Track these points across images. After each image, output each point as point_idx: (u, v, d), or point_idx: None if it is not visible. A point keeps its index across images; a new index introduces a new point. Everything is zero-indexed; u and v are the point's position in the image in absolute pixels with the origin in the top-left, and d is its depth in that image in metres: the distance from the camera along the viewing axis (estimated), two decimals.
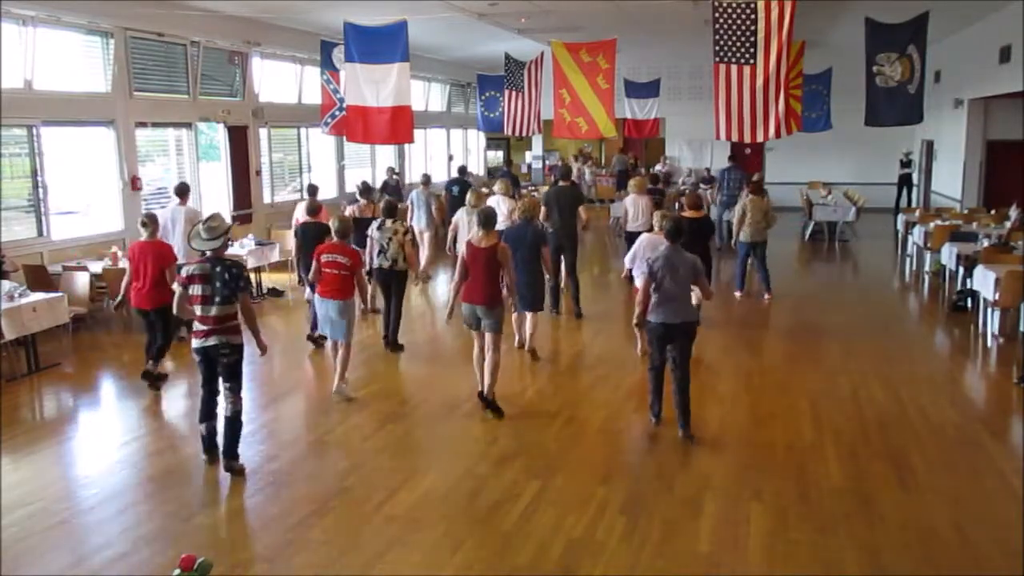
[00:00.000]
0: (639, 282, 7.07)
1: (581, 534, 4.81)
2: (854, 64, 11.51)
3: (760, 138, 8.93)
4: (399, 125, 10.64)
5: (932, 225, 12.41)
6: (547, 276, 8.68)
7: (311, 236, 8.78)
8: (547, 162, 25.46)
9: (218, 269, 5.61)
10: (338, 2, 11.86)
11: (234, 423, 5.74)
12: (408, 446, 6.30)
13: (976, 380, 8.22)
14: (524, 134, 15.60)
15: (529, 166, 26.28)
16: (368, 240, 8.71)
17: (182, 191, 9.96)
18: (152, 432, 6.69)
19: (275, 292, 11.83)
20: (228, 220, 5.71)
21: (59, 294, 8.60)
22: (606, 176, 23.94)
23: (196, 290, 5.62)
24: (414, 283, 10.30)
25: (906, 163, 20.37)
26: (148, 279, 7.51)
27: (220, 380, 5.76)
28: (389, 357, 8.65)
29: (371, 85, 10.57)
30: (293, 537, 4.83)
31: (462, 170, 15.95)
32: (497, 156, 26.58)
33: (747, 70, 8.62)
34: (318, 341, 8.58)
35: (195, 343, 5.72)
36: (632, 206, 10.95)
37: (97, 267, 9.74)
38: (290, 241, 12.58)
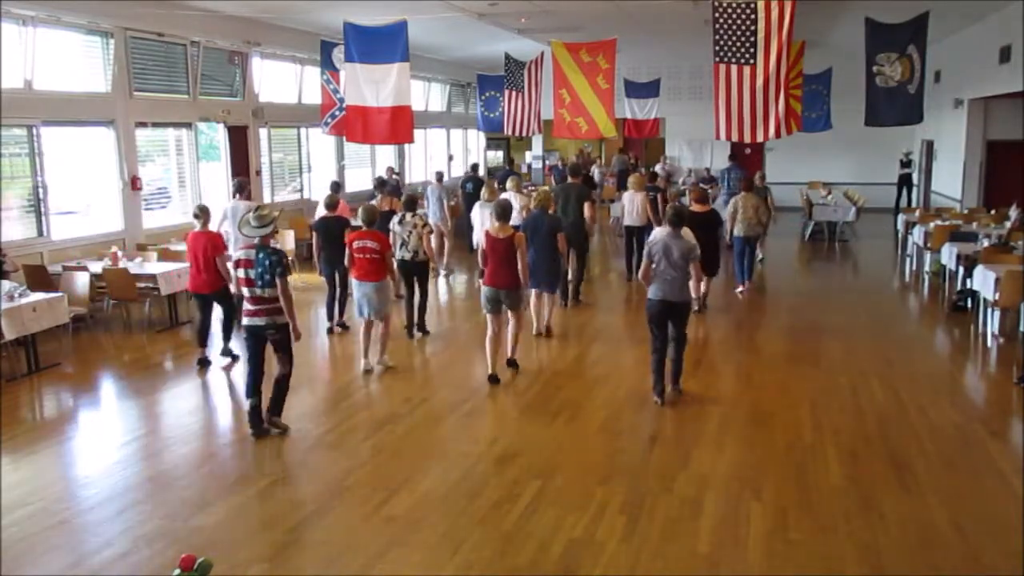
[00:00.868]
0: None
1: (581, 534, 4.81)
2: (854, 64, 11.52)
3: (760, 138, 8.94)
4: (399, 125, 10.65)
5: (932, 225, 12.41)
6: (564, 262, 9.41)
7: (331, 230, 9.32)
8: (547, 162, 25.46)
9: (261, 255, 6.16)
10: (338, 2, 11.86)
11: (281, 384, 6.41)
12: (408, 446, 6.29)
13: (976, 380, 8.22)
14: (524, 134, 15.61)
15: (529, 166, 26.27)
16: (391, 233, 8.95)
17: (241, 187, 10.32)
18: (152, 432, 6.69)
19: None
20: (275, 212, 6.46)
21: (59, 294, 8.60)
22: (608, 176, 23.96)
23: (243, 273, 6.22)
24: (435, 274, 11.07)
25: (906, 163, 20.37)
26: (202, 266, 8.00)
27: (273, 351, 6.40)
28: (395, 355, 8.64)
29: (371, 85, 10.58)
30: (293, 537, 4.83)
31: (475, 167, 16.38)
32: (497, 156, 26.57)
33: (747, 70, 8.62)
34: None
35: (244, 321, 6.35)
36: (629, 202, 11.43)
37: (97, 267, 9.74)
38: (290, 241, 12.71)
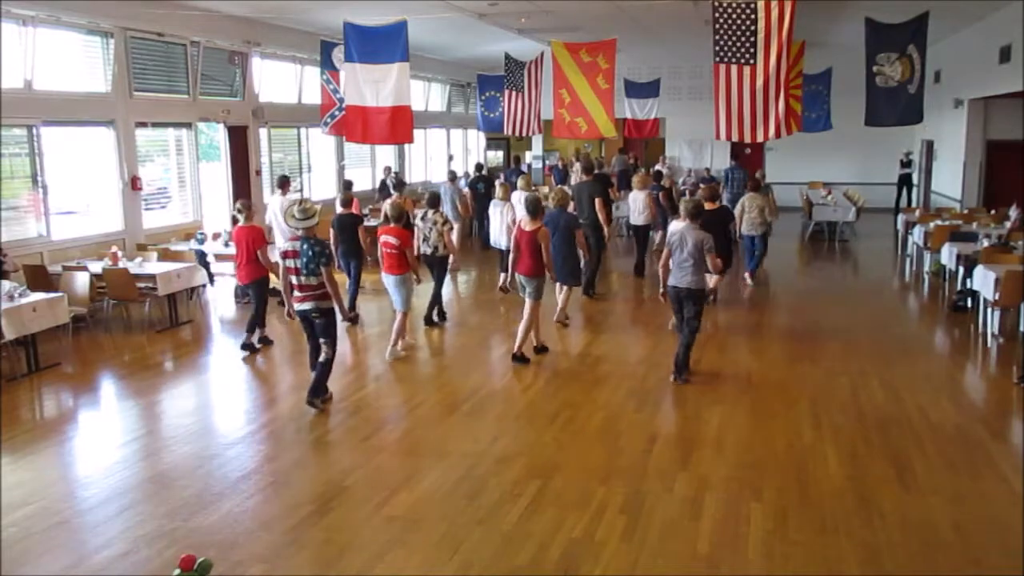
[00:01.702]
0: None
1: (581, 534, 4.81)
2: (854, 64, 11.52)
3: (760, 138, 8.94)
4: (399, 125, 10.64)
5: (932, 225, 12.41)
6: (583, 257, 9.75)
7: (345, 225, 10.04)
8: (547, 162, 25.43)
9: (305, 246, 6.67)
10: (338, 2, 11.85)
11: (324, 367, 6.93)
12: (408, 446, 6.29)
13: (976, 380, 8.22)
14: (524, 134, 15.60)
15: (529, 166, 26.25)
16: (415, 229, 9.40)
17: (283, 183, 11.29)
18: (152, 432, 6.69)
19: (275, 292, 11.79)
20: (317, 206, 6.99)
21: (59, 294, 8.60)
22: (610, 176, 23.93)
23: (291, 263, 6.75)
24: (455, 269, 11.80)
25: (906, 163, 20.37)
26: (245, 258, 8.64)
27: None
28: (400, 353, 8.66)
29: (371, 85, 10.57)
30: (293, 537, 4.83)
31: (480, 167, 16.44)
32: (497, 156, 26.55)
33: (747, 70, 8.61)
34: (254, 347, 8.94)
35: (296, 307, 6.89)
36: (633, 202, 11.66)
37: (97, 267, 9.74)
38: None
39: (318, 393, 6.96)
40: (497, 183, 11.16)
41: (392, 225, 8.42)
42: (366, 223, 11.10)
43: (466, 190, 15.60)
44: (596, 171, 12.67)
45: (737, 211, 11.59)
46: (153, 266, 10.11)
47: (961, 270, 10.48)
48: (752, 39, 8.51)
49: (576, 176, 13.70)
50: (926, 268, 12.48)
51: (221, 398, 7.75)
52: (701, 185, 18.78)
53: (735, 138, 8.96)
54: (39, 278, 9.28)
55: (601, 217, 10.83)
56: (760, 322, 10.17)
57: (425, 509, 5.16)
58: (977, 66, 15.22)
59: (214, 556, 4.34)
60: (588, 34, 13.65)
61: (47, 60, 10.24)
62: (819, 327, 9.89)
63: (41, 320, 8.12)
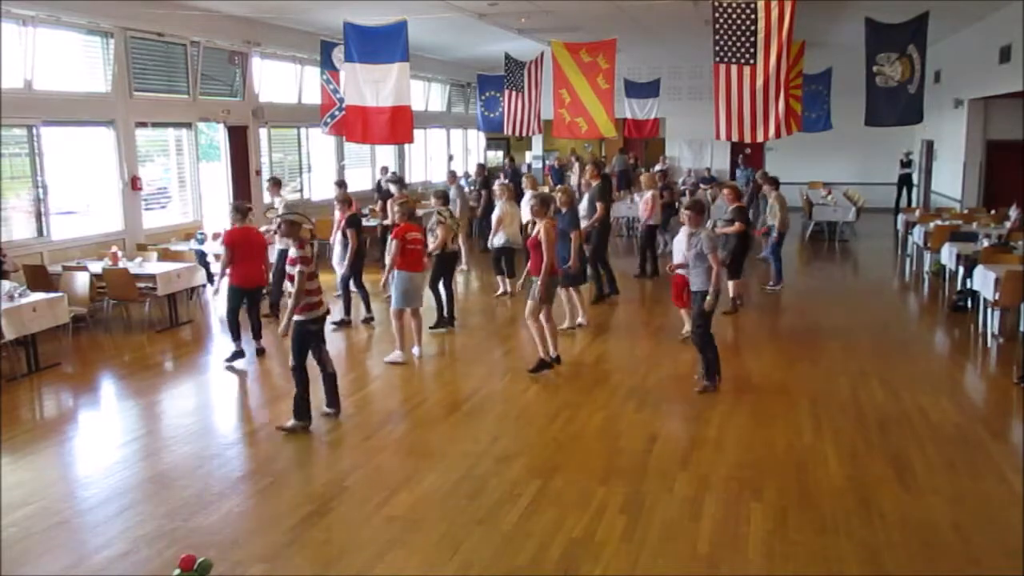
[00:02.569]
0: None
1: (581, 534, 4.81)
2: (854, 64, 11.52)
3: (760, 138, 8.93)
4: (399, 125, 10.64)
5: (932, 225, 12.41)
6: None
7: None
8: (547, 162, 25.43)
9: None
10: (338, 2, 11.85)
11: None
12: (408, 446, 6.29)
13: (976, 380, 8.22)
14: (524, 134, 15.60)
15: (529, 166, 26.24)
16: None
17: (275, 184, 11.46)
18: (152, 432, 6.69)
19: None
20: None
21: (59, 294, 8.60)
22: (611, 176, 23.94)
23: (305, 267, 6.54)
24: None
25: (906, 163, 20.37)
26: (247, 259, 8.32)
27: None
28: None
29: (371, 85, 10.57)
30: (293, 537, 4.83)
31: (482, 168, 16.35)
32: (497, 156, 26.54)
33: (747, 70, 8.61)
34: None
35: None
36: (643, 203, 11.73)
37: (97, 267, 9.74)
38: None
39: (328, 402, 6.80)
40: (496, 184, 11.12)
41: (411, 222, 8.36)
42: (364, 223, 11.14)
43: (468, 189, 15.60)
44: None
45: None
46: (153, 266, 10.11)
47: (961, 270, 10.47)
48: (752, 39, 8.51)
49: (579, 176, 13.69)
50: (926, 268, 12.48)
51: (221, 398, 7.75)
52: (701, 185, 18.84)
53: (735, 138, 8.96)
54: (39, 278, 9.27)
55: (597, 218, 10.68)
56: (760, 322, 10.17)
57: (425, 509, 5.16)
58: (977, 66, 15.22)
59: (214, 556, 4.34)
60: (588, 34, 13.64)
61: (47, 60, 10.24)
62: (819, 327, 9.89)
63: (41, 320, 8.12)
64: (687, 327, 8.47)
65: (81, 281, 9.26)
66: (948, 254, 11.02)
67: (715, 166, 22.79)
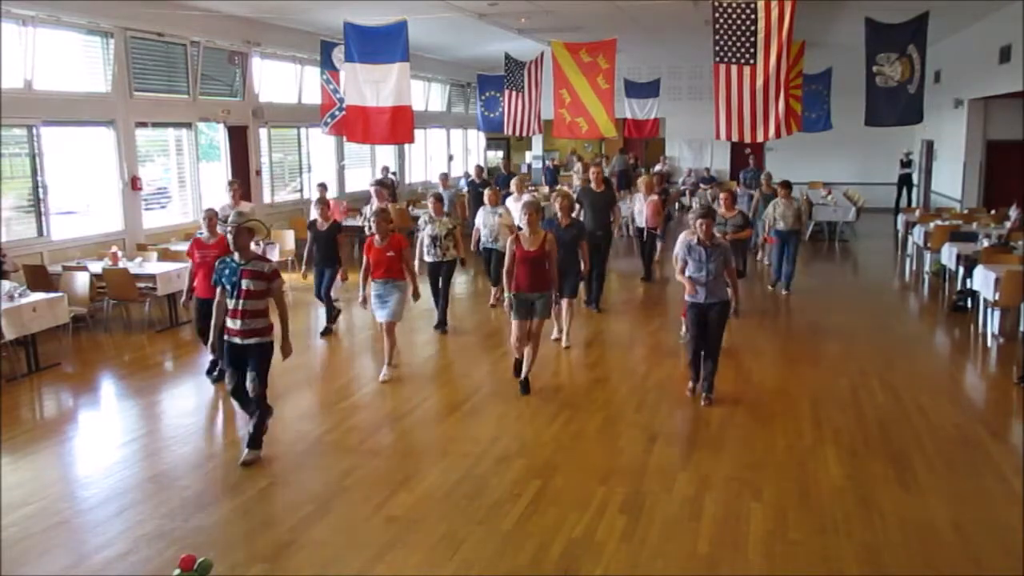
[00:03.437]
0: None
1: (581, 534, 4.81)
2: (854, 64, 11.51)
3: (760, 138, 8.93)
4: (399, 125, 10.63)
5: (932, 225, 12.41)
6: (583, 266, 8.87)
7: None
8: (546, 163, 25.45)
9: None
10: (338, 2, 11.86)
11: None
12: (408, 446, 6.30)
13: (976, 380, 8.22)
14: (524, 134, 15.60)
15: (529, 166, 26.24)
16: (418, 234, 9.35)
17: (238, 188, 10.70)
18: (152, 432, 6.69)
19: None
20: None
21: (59, 294, 8.60)
22: (611, 176, 23.95)
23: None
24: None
25: (906, 163, 20.37)
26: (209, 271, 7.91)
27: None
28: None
29: (371, 85, 10.56)
30: (293, 537, 4.83)
31: (480, 169, 16.16)
32: (497, 156, 26.56)
33: (747, 70, 8.61)
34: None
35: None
36: (647, 206, 11.56)
37: (97, 267, 9.74)
38: (290, 241, 12.73)
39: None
40: (488, 191, 10.63)
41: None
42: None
43: (464, 191, 15.51)
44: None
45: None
46: (153, 266, 10.11)
47: (961, 270, 10.48)
48: (752, 39, 8.51)
49: (581, 179, 13.48)
50: (926, 268, 12.48)
51: (221, 398, 7.74)
52: (701, 185, 18.84)
53: (735, 138, 8.96)
54: (39, 278, 9.27)
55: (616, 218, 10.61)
56: (760, 322, 10.17)
57: (425, 509, 5.16)
58: (977, 66, 15.22)
59: (214, 556, 4.34)
60: (588, 34, 13.64)
61: (47, 60, 10.24)
62: (819, 327, 9.89)
63: (41, 320, 8.12)
64: (685, 329, 7.93)
65: (81, 281, 9.26)
66: (948, 254, 11.02)
67: (715, 166, 22.79)
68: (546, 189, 19.50)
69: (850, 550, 4.62)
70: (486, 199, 10.32)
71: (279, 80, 15.21)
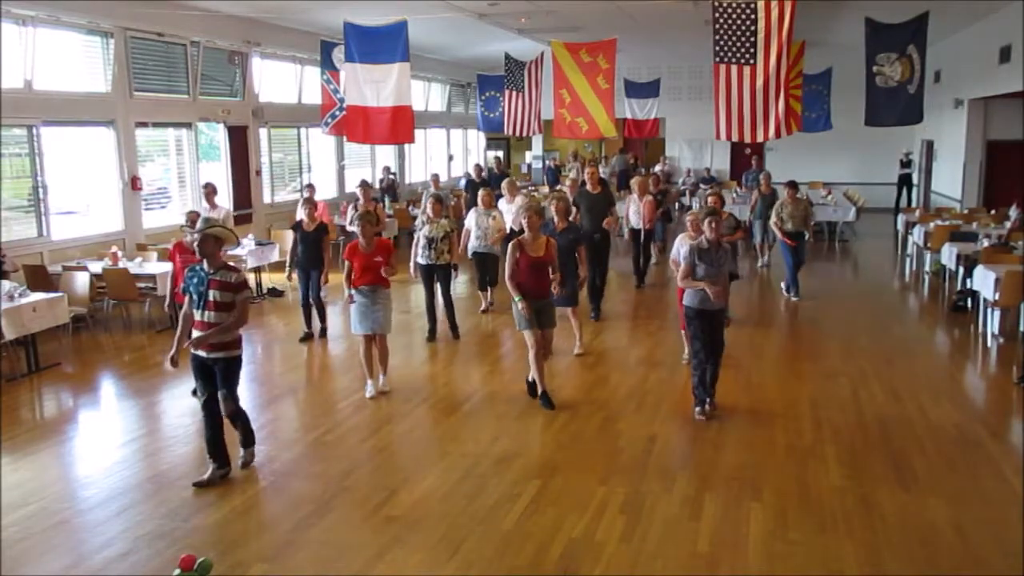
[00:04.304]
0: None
1: (581, 534, 4.81)
2: (854, 64, 11.51)
3: (760, 138, 8.93)
4: (399, 125, 10.63)
5: (932, 225, 12.40)
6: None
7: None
8: (546, 163, 25.46)
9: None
10: (338, 2, 11.86)
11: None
12: (408, 446, 6.30)
13: (976, 380, 8.22)
14: (524, 134, 15.60)
15: (529, 166, 26.25)
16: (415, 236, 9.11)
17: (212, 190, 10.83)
18: (152, 432, 6.69)
19: (275, 292, 11.84)
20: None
21: (59, 294, 8.60)
22: (610, 176, 23.96)
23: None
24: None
25: (906, 163, 20.37)
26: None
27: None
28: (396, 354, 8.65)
29: (371, 85, 10.56)
30: (293, 537, 4.83)
31: (479, 168, 16.07)
32: (492, 156, 26.56)
33: (747, 70, 8.61)
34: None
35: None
36: (643, 206, 11.46)
37: (97, 267, 9.74)
38: (289, 241, 12.68)
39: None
40: (482, 192, 10.51)
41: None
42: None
43: (461, 190, 15.45)
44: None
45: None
46: (153, 266, 10.11)
47: (961, 270, 10.47)
48: (752, 39, 8.51)
49: (570, 181, 13.37)
50: (926, 268, 12.49)
51: None
52: (702, 185, 18.83)
53: (735, 138, 8.95)
54: (39, 278, 9.28)
55: (609, 223, 10.23)
56: (760, 322, 10.17)
57: (425, 509, 5.16)
58: (977, 66, 15.22)
59: (214, 556, 4.35)
60: (588, 34, 13.64)
61: (47, 60, 10.24)
62: (819, 327, 9.89)
63: (41, 320, 8.12)
64: (687, 351, 7.62)
65: (81, 281, 9.26)
66: (948, 254, 11.02)
67: (715, 166, 22.80)
68: (546, 189, 19.50)
69: (850, 550, 4.62)
70: (479, 200, 10.18)
71: (279, 80, 15.21)
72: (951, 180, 17.68)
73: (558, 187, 17.07)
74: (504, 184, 11.59)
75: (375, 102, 10.60)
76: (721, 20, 8.56)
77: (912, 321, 10.68)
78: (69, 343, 9.12)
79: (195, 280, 5.59)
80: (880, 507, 5.11)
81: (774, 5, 8.32)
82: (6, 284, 8.19)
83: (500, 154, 25.69)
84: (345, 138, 13.51)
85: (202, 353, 5.57)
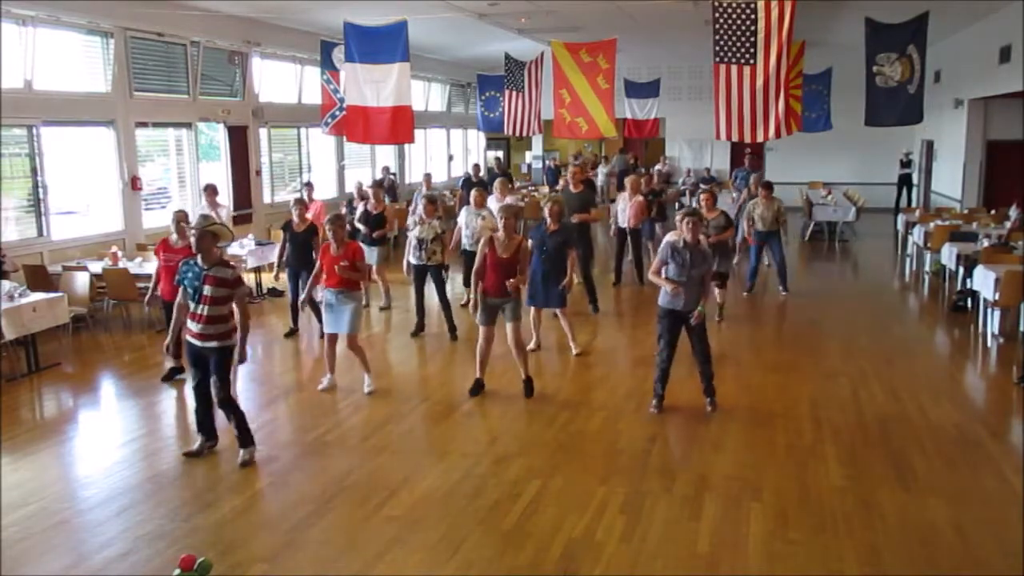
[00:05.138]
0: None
1: (581, 534, 4.81)
2: (854, 64, 11.51)
3: (760, 138, 8.93)
4: (399, 125, 10.63)
5: (932, 225, 12.40)
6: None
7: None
8: (546, 163, 25.46)
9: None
10: (338, 2, 11.86)
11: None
12: (408, 446, 6.29)
13: (976, 380, 8.22)
14: (524, 134, 15.60)
15: (529, 166, 26.25)
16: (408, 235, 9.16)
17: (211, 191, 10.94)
18: (152, 432, 6.69)
19: (275, 292, 11.83)
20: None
21: (59, 294, 8.60)
22: (610, 176, 23.95)
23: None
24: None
25: (906, 163, 20.38)
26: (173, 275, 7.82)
27: None
28: (396, 354, 8.65)
29: (371, 85, 10.56)
30: (293, 537, 4.83)
31: (477, 168, 16.06)
32: (497, 156, 26.59)
33: (747, 70, 8.61)
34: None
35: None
36: (631, 206, 11.37)
37: (97, 267, 9.74)
38: None
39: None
40: (473, 191, 10.51)
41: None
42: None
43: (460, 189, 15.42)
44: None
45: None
46: (153, 266, 10.06)
47: (961, 270, 10.47)
48: (752, 39, 8.51)
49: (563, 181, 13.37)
50: (926, 268, 12.49)
51: None
52: (701, 185, 18.81)
53: (735, 138, 8.95)
54: (39, 278, 9.28)
55: (583, 218, 10.50)
56: (760, 322, 10.17)
57: (425, 509, 5.16)
58: (977, 66, 15.23)
59: (214, 556, 4.35)
60: (588, 34, 13.64)
61: (47, 60, 10.24)
62: (819, 327, 9.89)
63: (41, 320, 8.12)
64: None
65: (81, 281, 9.26)
66: (948, 254, 11.02)
67: (715, 166, 22.80)
68: (546, 189, 19.49)
69: (850, 550, 4.62)
70: (471, 200, 10.19)
71: (279, 80, 15.21)
72: (951, 180, 17.68)
73: (558, 187, 17.06)
74: (496, 183, 11.61)
75: (375, 102, 10.59)
76: (721, 20, 8.56)
77: (912, 321, 10.68)
78: (69, 343, 9.12)
79: (190, 274, 5.77)
80: (880, 507, 5.12)
81: (774, 5, 8.32)
82: (6, 284, 8.19)
83: (500, 154, 25.71)
84: (345, 138, 13.51)
85: (196, 342, 5.78)
